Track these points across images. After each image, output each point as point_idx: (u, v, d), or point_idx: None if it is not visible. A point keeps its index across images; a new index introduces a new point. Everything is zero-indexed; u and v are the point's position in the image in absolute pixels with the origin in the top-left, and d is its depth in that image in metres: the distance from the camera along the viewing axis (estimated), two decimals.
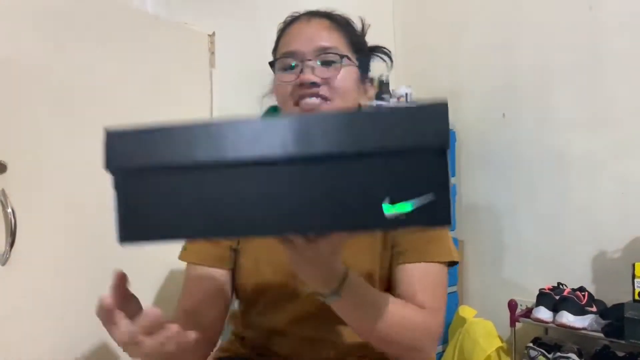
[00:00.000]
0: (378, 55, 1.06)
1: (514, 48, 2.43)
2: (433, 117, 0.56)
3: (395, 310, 0.78)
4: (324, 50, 0.93)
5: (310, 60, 0.92)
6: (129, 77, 1.22)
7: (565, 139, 2.27)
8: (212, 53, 1.45)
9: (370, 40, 1.05)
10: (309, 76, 0.91)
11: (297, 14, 1.00)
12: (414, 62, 2.81)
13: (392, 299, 0.79)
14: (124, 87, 1.21)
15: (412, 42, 2.83)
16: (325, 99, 0.92)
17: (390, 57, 1.06)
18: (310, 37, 0.93)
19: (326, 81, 0.92)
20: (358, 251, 0.91)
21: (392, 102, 2.37)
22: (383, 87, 2.43)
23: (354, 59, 0.97)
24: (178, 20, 1.39)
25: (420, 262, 0.87)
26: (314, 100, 0.92)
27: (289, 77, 0.93)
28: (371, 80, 1.04)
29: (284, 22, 1.01)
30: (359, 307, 0.74)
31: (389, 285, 0.93)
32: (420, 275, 0.87)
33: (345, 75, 0.94)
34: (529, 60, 2.38)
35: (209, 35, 1.45)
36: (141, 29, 1.27)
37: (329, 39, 0.94)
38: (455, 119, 2.54)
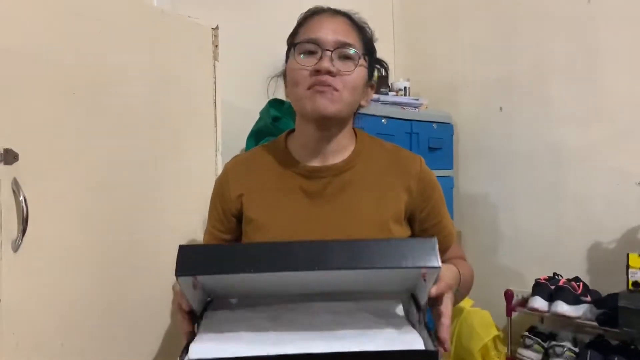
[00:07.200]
0: (376, 66, 1.13)
1: (511, 42, 2.45)
2: None
3: (468, 270, 1.09)
4: (344, 45, 0.99)
5: (330, 50, 0.98)
6: (135, 69, 1.24)
7: (561, 132, 2.30)
8: (216, 46, 1.46)
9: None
10: (327, 64, 0.96)
11: (320, 8, 1.06)
12: (412, 56, 2.83)
13: (462, 267, 1.05)
14: (130, 79, 1.23)
15: (410, 36, 2.85)
16: (335, 89, 0.98)
17: (386, 70, 1.15)
18: (333, 29, 0.99)
19: (341, 73, 0.98)
20: (382, 201, 1.04)
21: (391, 95, 2.39)
22: (382, 81, 2.45)
23: (366, 61, 1.04)
24: (182, 13, 1.40)
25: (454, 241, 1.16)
26: (326, 87, 0.98)
27: (308, 61, 0.98)
28: (372, 85, 1.11)
29: (307, 12, 1.07)
30: (462, 287, 1.01)
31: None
32: (456, 244, 1.16)
33: (359, 72, 1.01)
34: (526, 54, 2.40)
35: (212, 28, 1.46)
36: (147, 22, 1.28)
37: (350, 36, 1.01)
38: (453, 112, 2.57)
